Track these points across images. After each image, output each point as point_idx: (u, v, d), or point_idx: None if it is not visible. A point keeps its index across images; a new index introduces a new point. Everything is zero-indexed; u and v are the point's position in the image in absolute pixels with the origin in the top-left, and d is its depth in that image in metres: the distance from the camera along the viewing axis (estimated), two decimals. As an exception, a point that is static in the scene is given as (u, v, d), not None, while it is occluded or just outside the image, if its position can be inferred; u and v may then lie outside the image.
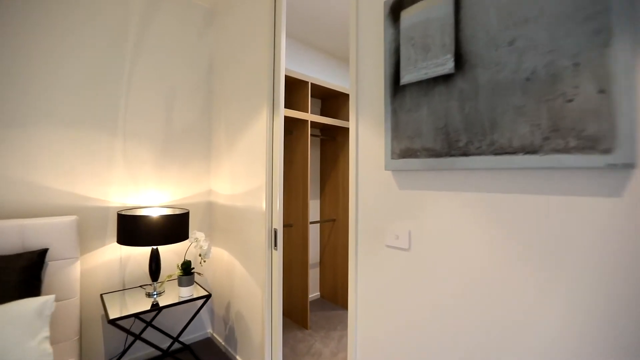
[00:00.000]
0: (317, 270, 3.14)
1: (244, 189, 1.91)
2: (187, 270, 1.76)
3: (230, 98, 2.07)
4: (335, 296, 2.97)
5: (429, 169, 0.92)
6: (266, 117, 1.72)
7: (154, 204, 2.01)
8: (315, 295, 3.12)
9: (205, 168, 2.26)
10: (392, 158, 1.02)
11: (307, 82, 2.45)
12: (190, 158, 2.19)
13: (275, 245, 1.67)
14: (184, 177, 2.16)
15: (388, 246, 1.08)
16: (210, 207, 2.28)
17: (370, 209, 1.14)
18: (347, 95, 2.83)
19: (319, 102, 3.06)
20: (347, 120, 2.82)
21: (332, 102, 2.97)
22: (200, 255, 1.72)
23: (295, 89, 2.56)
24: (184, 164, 2.16)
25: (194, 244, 1.68)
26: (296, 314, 2.59)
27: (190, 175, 2.19)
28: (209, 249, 1.73)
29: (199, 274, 1.84)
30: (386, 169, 1.05)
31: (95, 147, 1.80)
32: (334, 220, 2.97)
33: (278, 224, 1.67)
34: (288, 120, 2.54)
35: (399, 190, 1.05)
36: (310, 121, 2.48)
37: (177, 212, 1.90)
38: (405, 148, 0.98)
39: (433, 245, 0.96)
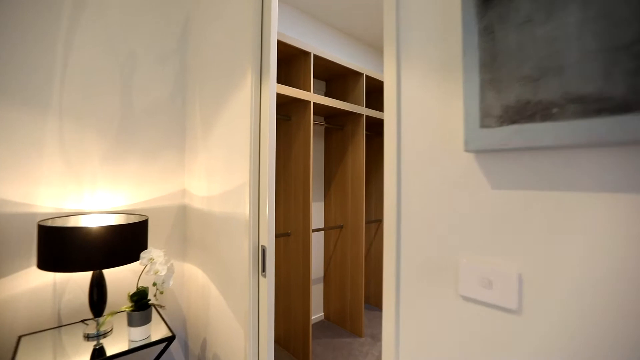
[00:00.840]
0: (321, 286, 2.62)
1: (221, 189, 1.40)
2: (140, 302, 1.24)
3: (209, 70, 1.55)
4: (343, 319, 2.46)
5: (589, 143, 0.41)
6: (251, 88, 1.20)
7: (104, 208, 1.50)
8: (318, 316, 2.61)
9: (178, 162, 1.75)
10: (484, 126, 0.51)
11: (309, 54, 1.93)
12: (156, 149, 1.67)
13: (264, 269, 1.16)
14: (148, 174, 1.65)
15: (466, 298, 0.57)
16: (184, 213, 1.77)
17: (426, 226, 0.63)
18: (359, 74, 2.31)
19: (323, 84, 2.55)
20: (359, 104, 2.30)
21: (340, 83, 2.45)
22: (154, 284, 1.20)
23: (294, 63, 2.04)
24: (149, 156, 1.65)
25: (147, 267, 1.17)
26: (295, 343, 2.07)
27: (157, 171, 1.67)
28: (168, 275, 1.21)
29: (160, 306, 1.33)
30: (467, 148, 0.53)
31: (13, 128, 1.29)
32: (341, 227, 2.46)
33: (267, 239, 1.16)
34: (285, 102, 2.02)
35: (493, 190, 0.54)
36: (313, 103, 1.97)
37: (132, 220, 1.38)
38: (520, 102, 0.47)
39: (579, 311, 0.44)
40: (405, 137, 0.67)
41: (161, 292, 1.22)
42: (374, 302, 2.86)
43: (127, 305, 1.25)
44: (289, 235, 2.08)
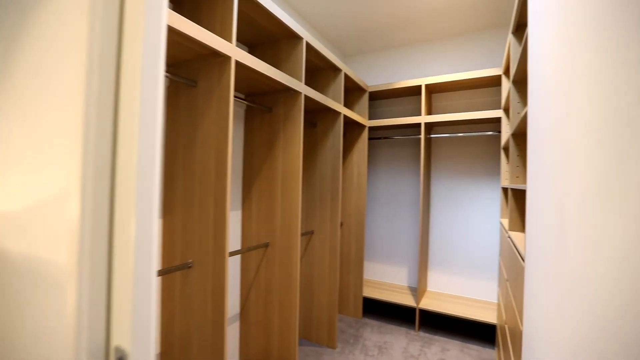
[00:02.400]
0: (236, 326, 1.92)
1: (22, 201, 0.62)
2: None
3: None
4: (267, 368, 1.82)
5: None
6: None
7: None
8: (231, 366, 1.89)
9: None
10: None
11: (231, -15, 1.24)
12: None
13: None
14: None
15: None
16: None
17: None
18: (297, 39, 1.71)
19: (245, 50, 1.85)
20: (297, 79, 1.70)
21: (269, 50, 1.80)
22: None
23: None
24: None
25: None
26: None
27: None
28: None
29: None
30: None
31: None
32: (266, 245, 1.81)
33: (133, 332, 0.46)
34: (186, 55, 1.27)
35: None
36: (236, 63, 1.28)
37: None
38: None
39: None
40: None
41: None
42: (315, 337, 2.30)
43: None
44: (189, 267, 1.34)
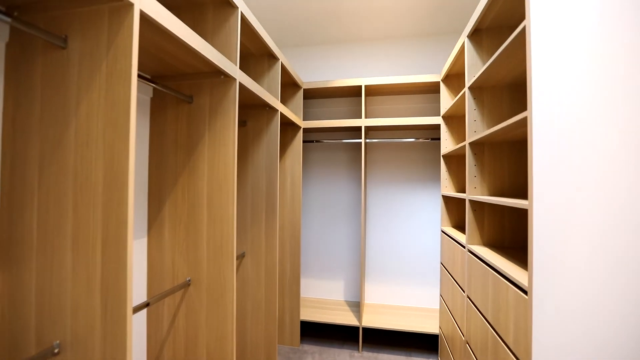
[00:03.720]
0: (141, 400, 1.36)
1: None
2: None
3: None
4: None
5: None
6: None
7: None
8: None
9: None
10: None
11: None
12: None
13: None
14: None
15: None
16: None
17: None
18: (230, 6, 1.28)
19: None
20: (231, 60, 1.27)
21: (192, 13, 1.33)
22: None
23: None
24: None
25: None
26: None
27: None
28: None
29: None
30: None
31: None
32: (188, 283, 1.32)
33: None
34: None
35: None
36: (142, 13, 0.80)
37: None
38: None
39: None
40: None
41: None
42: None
43: None
44: (55, 355, 0.79)
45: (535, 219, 0.84)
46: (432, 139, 2.38)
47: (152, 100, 1.37)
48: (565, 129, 0.84)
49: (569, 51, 0.85)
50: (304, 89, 2.43)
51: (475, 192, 1.48)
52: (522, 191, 1.44)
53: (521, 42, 1.00)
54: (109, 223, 0.75)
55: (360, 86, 2.31)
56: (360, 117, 2.51)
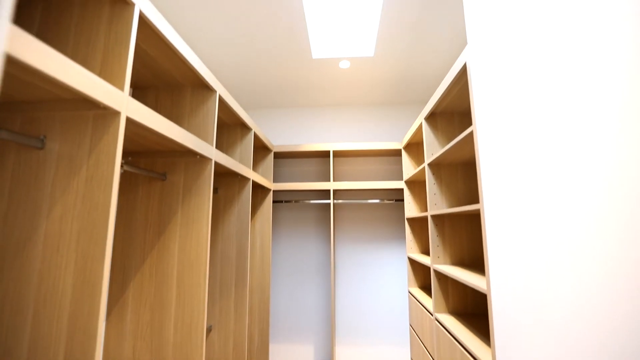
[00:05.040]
0: None
1: None
2: None
3: None
4: None
5: None
6: None
7: None
8: None
9: None
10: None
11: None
12: None
13: None
14: None
15: None
16: None
17: None
18: (208, 91, 1.36)
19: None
20: (207, 141, 1.32)
21: (171, 95, 1.38)
22: None
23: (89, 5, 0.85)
24: None
25: None
26: None
27: None
28: None
29: None
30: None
31: None
32: (149, 374, 1.21)
33: None
34: (33, 94, 0.76)
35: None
36: (127, 120, 0.83)
37: None
38: None
39: None
40: None
41: None
42: None
43: None
44: None
45: (495, 304, 0.92)
46: (396, 200, 2.53)
47: (123, 175, 1.35)
48: (509, 220, 0.96)
49: (509, 146, 1.00)
50: (275, 152, 2.52)
51: (439, 261, 1.58)
52: (479, 260, 1.56)
53: (469, 140, 1.17)
54: (74, 336, 0.70)
55: (329, 150, 2.44)
56: (329, 179, 2.62)
